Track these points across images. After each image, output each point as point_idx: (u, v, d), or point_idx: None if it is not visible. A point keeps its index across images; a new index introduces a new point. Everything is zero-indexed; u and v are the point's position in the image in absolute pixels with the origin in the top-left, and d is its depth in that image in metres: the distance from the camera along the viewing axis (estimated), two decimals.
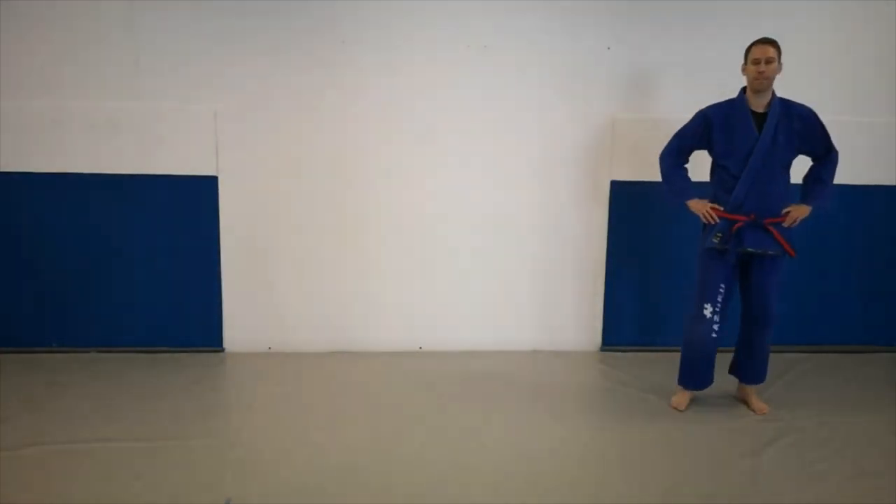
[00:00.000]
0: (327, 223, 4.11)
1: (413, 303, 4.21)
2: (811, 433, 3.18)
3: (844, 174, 4.20)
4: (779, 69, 3.24)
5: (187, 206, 4.03)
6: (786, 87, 4.10)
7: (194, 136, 3.96)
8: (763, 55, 3.20)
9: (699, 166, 3.64)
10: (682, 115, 3.53)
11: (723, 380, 3.58)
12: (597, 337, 4.31)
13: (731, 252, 3.25)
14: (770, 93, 3.27)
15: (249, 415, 3.33)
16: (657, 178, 3.60)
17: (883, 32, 4.10)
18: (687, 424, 3.28)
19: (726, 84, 4.07)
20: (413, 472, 2.82)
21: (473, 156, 4.10)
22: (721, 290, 3.31)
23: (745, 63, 3.29)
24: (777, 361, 4.07)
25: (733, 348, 3.56)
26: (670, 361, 4.08)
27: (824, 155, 3.31)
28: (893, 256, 4.29)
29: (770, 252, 3.23)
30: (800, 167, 3.42)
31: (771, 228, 3.23)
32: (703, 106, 3.41)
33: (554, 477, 2.80)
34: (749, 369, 3.48)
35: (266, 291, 4.14)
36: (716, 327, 3.33)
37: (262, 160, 4.02)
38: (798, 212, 3.26)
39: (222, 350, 4.17)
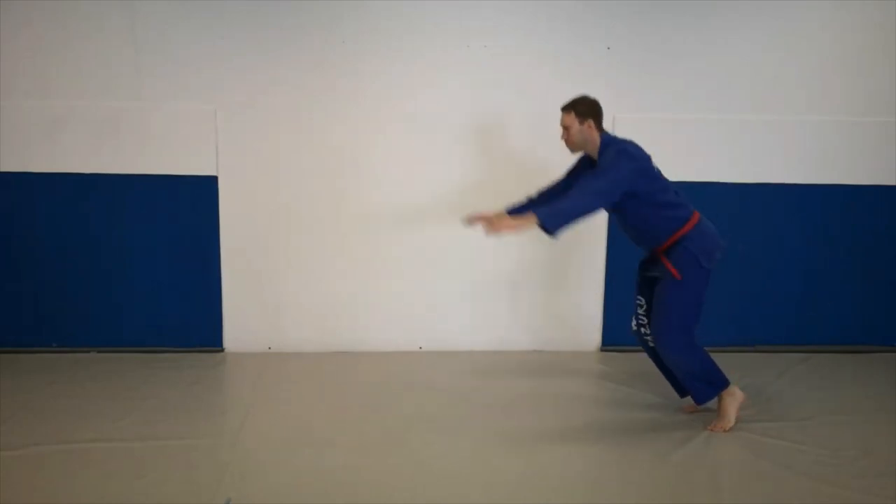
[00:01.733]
0: (327, 223, 4.11)
1: (413, 303, 4.21)
2: (811, 433, 3.18)
3: (844, 174, 4.22)
4: (584, 130, 3.18)
5: (187, 206, 4.03)
6: (786, 86, 4.12)
7: (194, 136, 3.96)
8: (561, 123, 3.23)
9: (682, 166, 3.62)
10: (681, 115, 3.54)
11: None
12: (597, 337, 4.31)
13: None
14: (594, 147, 3.20)
15: (249, 415, 3.33)
16: None
17: (883, 32, 4.10)
18: (686, 424, 3.28)
19: (725, 83, 4.09)
20: (412, 472, 2.82)
21: (474, 156, 4.11)
22: (639, 301, 3.36)
23: None
24: (777, 361, 4.09)
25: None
26: None
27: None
28: (893, 256, 4.29)
29: (654, 274, 3.23)
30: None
31: (661, 256, 3.15)
32: (701, 105, 3.39)
33: (553, 477, 2.80)
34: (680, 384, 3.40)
35: (266, 292, 4.14)
36: (644, 330, 3.35)
37: (262, 160, 4.03)
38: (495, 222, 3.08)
39: (222, 350, 4.17)
